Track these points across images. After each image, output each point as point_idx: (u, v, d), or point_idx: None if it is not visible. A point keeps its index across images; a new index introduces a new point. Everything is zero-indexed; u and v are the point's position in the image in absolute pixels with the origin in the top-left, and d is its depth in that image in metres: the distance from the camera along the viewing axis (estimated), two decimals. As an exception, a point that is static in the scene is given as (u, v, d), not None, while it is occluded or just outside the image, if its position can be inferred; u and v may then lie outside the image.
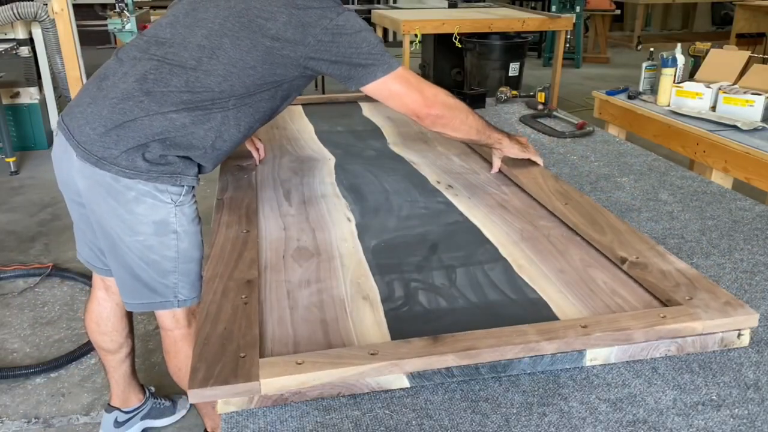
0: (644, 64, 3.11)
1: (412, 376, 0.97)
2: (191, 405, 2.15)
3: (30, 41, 4.68)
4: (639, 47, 9.19)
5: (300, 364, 0.93)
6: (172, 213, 1.45)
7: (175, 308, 1.55)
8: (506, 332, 1.00)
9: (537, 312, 1.12)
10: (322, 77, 6.45)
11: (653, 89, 3.04)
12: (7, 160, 4.31)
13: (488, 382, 0.99)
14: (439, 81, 5.47)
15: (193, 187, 1.49)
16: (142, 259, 1.46)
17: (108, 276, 1.68)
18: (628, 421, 0.92)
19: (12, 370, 2.34)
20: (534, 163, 1.77)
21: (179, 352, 1.65)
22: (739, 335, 1.08)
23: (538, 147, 2.20)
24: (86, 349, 2.44)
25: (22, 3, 4.39)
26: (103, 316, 1.80)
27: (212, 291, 1.13)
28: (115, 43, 8.37)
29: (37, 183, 4.18)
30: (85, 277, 2.95)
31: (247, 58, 1.37)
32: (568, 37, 7.32)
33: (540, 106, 2.66)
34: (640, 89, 3.10)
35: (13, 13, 4.36)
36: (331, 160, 1.94)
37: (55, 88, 4.88)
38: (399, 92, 1.45)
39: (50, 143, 4.82)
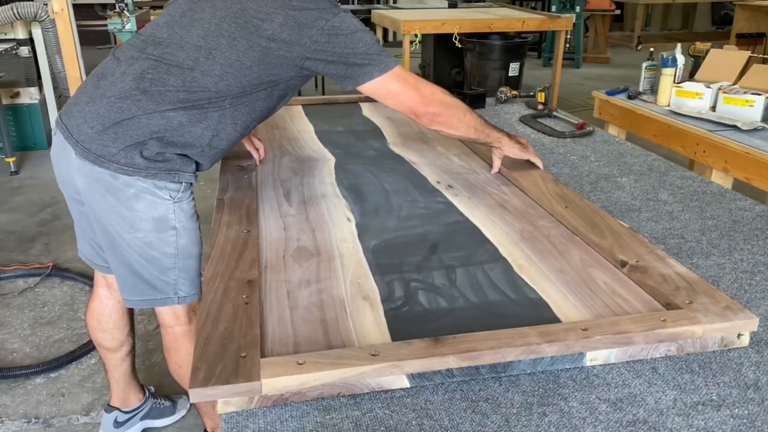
0: (644, 64, 3.11)
1: (412, 376, 0.97)
2: (191, 405, 2.15)
3: (30, 41, 4.68)
4: (639, 47, 9.20)
5: (301, 364, 0.93)
6: (171, 209, 1.46)
7: (176, 305, 1.56)
8: (507, 334, 1.00)
9: (537, 312, 1.12)
10: (322, 78, 6.45)
11: (653, 89, 3.04)
12: (7, 160, 4.31)
13: (488, 382, 1.00)
14: (439, 81, 5.45)
15: (191, 183, 1.50)
16: (141, 255, 1.47)
17: (109, 273, 1.68)
18: (628, 421, 0.92)
19: (12, 370, 2.34)
20: (533, 165, 1.77)
21: (180, 349, 1.65)
22: (738, 335, 1.08)
23: (538, 147, 2.20)
24: (86, 349, 2.45)
25: (22, 3, 4.39)
26: (105, 313, 1.81)
27: (213, 291, 1.13)
28: (115, 43, 8.36)
29: (37, 183, 4.18)
30: (85, 277, 2.95)
31: (243, 59, 1.38)
32: (568, 37, 7.33)
33: (540, 106, 2.66)
34: (640, 89, 3.10)
35: (13, 13, 4.36)
36: (331, 160, 1.94)
37: (55, 88, 4.88)
38: (396, 91, 1.46)
39: (50, 143, 4.81)
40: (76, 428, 2.11)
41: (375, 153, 2.01)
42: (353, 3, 9.08)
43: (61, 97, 4.91)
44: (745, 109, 2.55)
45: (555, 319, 1.09)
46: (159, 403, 2.10)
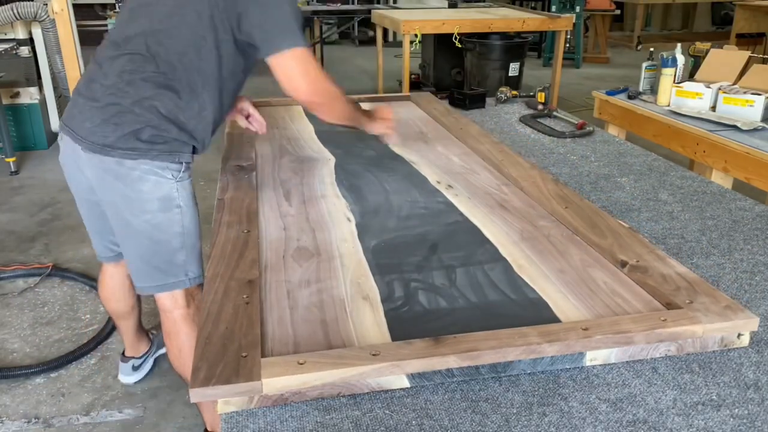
0: (644, 64, 3.11)
1: (412, 376, 0.97)
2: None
3: (30, 41, 4.68)
4: (639, 47, 9.20)
5: (301, 364, 0.93)
6: (174, 188, 1.57)
7: (188, 287, 1.66)
8: (507, 334, 1.00)
9: (537, 312, 1.12)
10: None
11: (653, 89, 3.04)
12: (7, 160, 4.31)
13: (488, 382, 1.00)
14: (439, 81, 5.48)
15: (190, 164, 1.61)
16: (151, 239, 1.58)
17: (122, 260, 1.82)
18: (628, 421, 0.92)
19: (12, 370, 2.34)
20: (533, 167, 1.78)
21: (179, 333, 1.72)
22: (739, 335, 1.08)
23: (538, 147, 2.20)
24: (86, 349, 2.45)
25: (22, 3, 4.39)
26: (117, 284, 2.01)
27: (213, 291, 1.13)
28: (115, 42, 8.36)
29: (37, 183, 4.18)
30: (85, 277, 2.95)
31: (197, 30, 1.50)
32: (568, 37, 7.34)
33: (540, 106, 2.66)
34: (640, 89, 3.10)
35: (13, 13, 4.36)
36: (331, 160, 1.94)
37: (55, 88, 4.88)
38: (293, 73, 1.52)
39: (50, 143, 4.82)
40: (76, 428, 2.11)
41: (375, 153, 2.01)
42: (353, 3, 9.08)
43: (61, 97, 4.91)
44: (745, 109, 2.55)
45: (555, 319, 1.10)
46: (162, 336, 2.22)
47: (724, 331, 1.06)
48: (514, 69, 4.72)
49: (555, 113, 2.59)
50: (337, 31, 9.04)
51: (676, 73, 2.82)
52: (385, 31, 6.33)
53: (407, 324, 1.09)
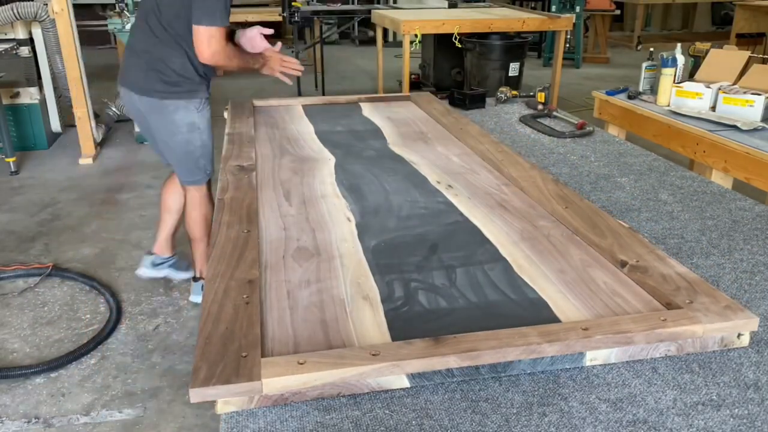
0: (644, 64, 3.11)
1: (412, 376, 0.97)
2: (196, 277, 2.74)
3: (30, 41, 4.67)
4: (639, 47, 9.20)
5: (302, 364, 0.93)
6: (196, 117, 2.34)
7: (207, 179, 2.48)
8: (507, 334, 1.00)
9: (537, 312, 1.12)
10: (323, 78, 6.45)
11: (653, 89, 3.04)
12: (7, 160, 4.30)
13: (488, 382, 1.00)
14: (439, 81, 5.48)
15: (207, 98, 2.37)
16: (184, 151, 2.38)
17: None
18: (628, 421, 0.92)
19: (12, 370, 2.34)
20: (533, 167, 1.78)
21: (201, 205, 2.50)
22: (738, 335, 1.08)
23: (538, 147, 2.20)
24: (86, 349, 2.45)
25: (22, 3, 4.39)
26: (177, 184, 2.60)
27: (213, 291, 1.13)
28: (115, 43, 8.36)
29: (37, 183, 4.18)
30: (85, 277, 2.95)
31: (180, 8, 2.16)
32: (568, 37, 7.33)
33: (540, 106, 2.66)
34: (640, 89, 3.10)
35: (13, 13, 4.36)
36: (331, 160, 1.94)
37: (55, 88, 4.87)
38: (200, 41, 2.14)
39: (50, 143, 4.81)
40: (76, 428, 2.11)
41: (375, 153, 2.01)
42: (353, 3, 9.08)
43: (61, 97, 4.91)
44: (745, 109, 2.55)
45: (555, 319, 1.10)
46: (181, 263, 2.86)
47: (724, 331, 1.06)
48: (514, 69, 4.72)
49: (555, 113, 2.59)
50: (337, 31, 9.05)
51: (676, 73, 2.82)
52: (385, 31, 6.33)
53: (407, 324, 1.09)
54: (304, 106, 2.61)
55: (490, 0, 6.44)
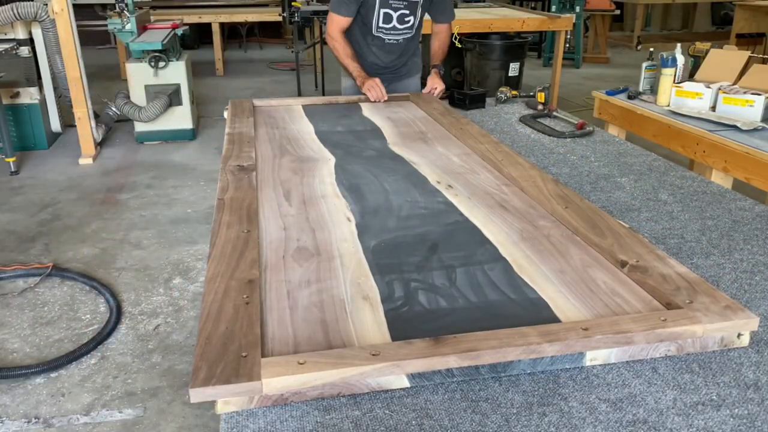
0: (644, 64, 3.11)
1: (412, 376, 0.97)
2: None
3: (30, 41, 4.68)
4: (639, 47, 9.20)
5: (302, 364, 0.93)
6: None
7: None
8: (507, 334, 1.00)
9: (537, 312, 1.12)
10: (323, 78, 6.45)
11: (653, 89, 3.04)
12: (7, 160, 4.30)
13: (488, 382, 1.00)
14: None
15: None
16: None
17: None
18: (628, 421, 0.92)
19: (12, 370, 2.34)
20: (533, 167, 1.78)
21: None
22: (739, 335, 1.08)
23: (538, 147, 2.20)
24: (86, 349, 2.45)
25: (22, 3, 4.39)
26: None
27: (213, 291, 1.13)
28: (115, 43, 8.37)
29: (37, 183, 4.18)
30: (85, 277, 2.95)
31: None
32: (568, 37, 7.33)
33: (540, 106, 2.66)
34: (640, 89, 3.10)
35: (13, 13, 4.36)
36: (331, 160, 1.94)
37: (55, 88, 4.87)
38: (329, 22, 2.72)
39: (50, 143, 4.82)
40: (76, 428, 2.11)
41: (375, 153, 2.01)
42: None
43: (61, 97, 4.91)
44: (745, 109, 2.55)
45: (555, 319, 1.10)
46: None
47: (724, 331, 1.06)
48: (514, 69, 4.72)
49: (555, 113, 2.59)
50: (337, 31, 9.06)
51: (676, 73, 2.82)
52: (385, 31, 6.33)
53: (407, 324, 1.09)
54: (304, 106, 2.61)
55: (490, 0, 6.44)
